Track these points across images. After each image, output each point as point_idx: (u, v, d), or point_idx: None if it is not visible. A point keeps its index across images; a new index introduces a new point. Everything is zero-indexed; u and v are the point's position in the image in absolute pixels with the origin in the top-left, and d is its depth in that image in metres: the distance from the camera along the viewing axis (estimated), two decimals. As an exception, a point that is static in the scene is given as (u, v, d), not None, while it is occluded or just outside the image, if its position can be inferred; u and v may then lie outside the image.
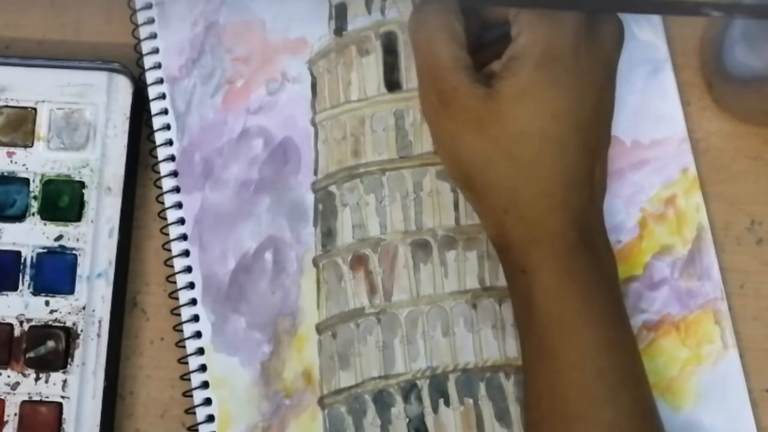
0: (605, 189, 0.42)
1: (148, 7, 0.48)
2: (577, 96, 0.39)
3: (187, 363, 0.45)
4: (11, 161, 0.47)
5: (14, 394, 0.45)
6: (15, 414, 0.44)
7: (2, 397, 0.44)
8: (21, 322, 0.45)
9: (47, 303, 0.45)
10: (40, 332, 0.45)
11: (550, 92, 0.39)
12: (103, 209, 0.46)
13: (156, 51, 0.48)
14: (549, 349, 0.39)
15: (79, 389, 0.44)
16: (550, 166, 0.39)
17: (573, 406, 0.38)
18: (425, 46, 0.41)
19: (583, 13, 0.39)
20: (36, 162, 0.47)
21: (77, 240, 0.46)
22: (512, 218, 0.39)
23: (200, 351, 0.45)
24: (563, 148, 0.39)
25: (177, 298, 0.46)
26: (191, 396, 0.45)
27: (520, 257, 0.40)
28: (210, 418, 0.44)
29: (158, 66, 0.48)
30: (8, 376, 0.45)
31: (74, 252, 0.46)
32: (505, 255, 0.41)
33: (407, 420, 0.44)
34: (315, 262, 0.46)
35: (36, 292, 0.45)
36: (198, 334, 0.45)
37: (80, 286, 0.45)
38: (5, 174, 0.47)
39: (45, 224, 0.46)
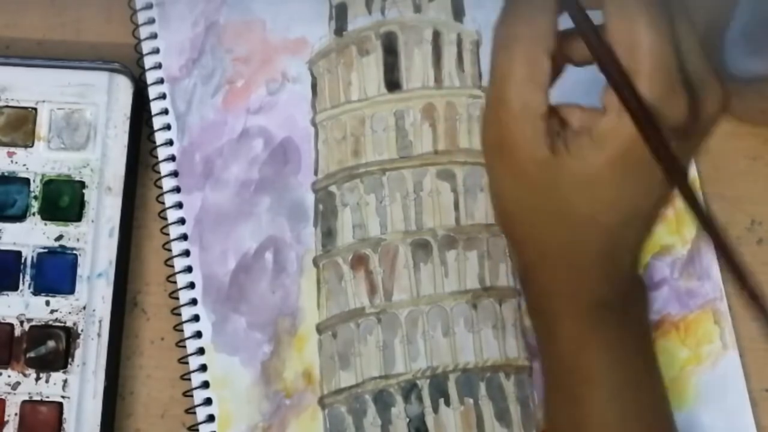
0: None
1: (149, 7, 0.48)
2: (646, 188, 0.35)
3: (187, 363, 0.45)
4: (12, 161, 0.47)
5: (15, 393, 0.45)
6: (15, 414, 0.44)
7: (3, 397, 0.44)
8: (21, 322, 0.45)
9: (48, 303, 0.45)
10: (41, 332, 0.45)
11: (616, 184, 0.34)
12: (104, 209, 0.46)
13: (156, 51, 0.48)
14: (573, 392, 0.37)
15: (80, 389, 0.44)
16: (593, 247, 0.35)
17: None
18: (502, 70, 0.34)
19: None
20: (36, 162, 0.47)
21: (78, 240, 0.46)
22: (544, 272, 0.37)
23: (200, 351, 0.45)
24: (609, 234, 0.35)
25: (177, 298, 0.46)
26: (191, 396, 0.45)
27: (542, 301, 0.38)
28: (210, 418, 0.44)
29: (159, 66, 0.48)
30: (9, 376, 0.45)
31: (75, 252, 0.46)
32: (526, 290, 0.39)
33: (407, 420, 0.44)
34: (315, 262, 0.46)
35: (36, 292, 0.45)
36: (198, 334, 0.45)
37: (81, 286, 0.45)
38: (6, 174, 0.47)
39: (45, 224, 0.46)
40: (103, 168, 0.46)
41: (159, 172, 0.47)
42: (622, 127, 0.32)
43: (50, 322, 0.45)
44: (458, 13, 0.48)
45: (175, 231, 0.46)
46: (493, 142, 0.36)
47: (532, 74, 0.33)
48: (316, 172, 0.47)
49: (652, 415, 0.38)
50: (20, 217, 0.46)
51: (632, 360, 0.37)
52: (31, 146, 0.47)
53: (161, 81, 0.48)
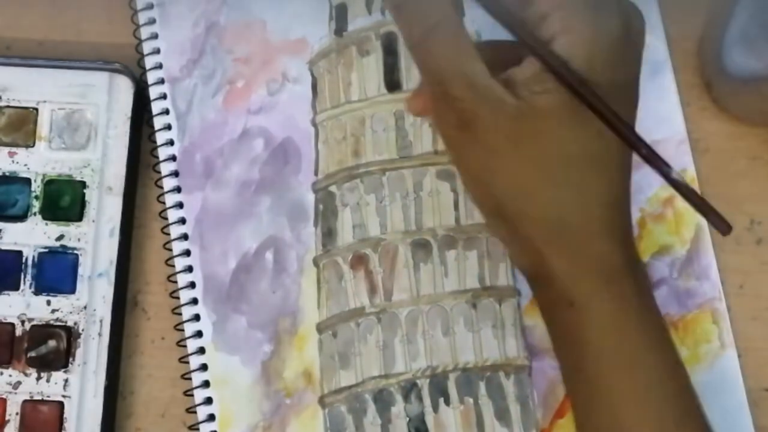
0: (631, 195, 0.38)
1: (149, 7, 0.48)
2: (617, 106, 0.34)
3: (188, 362, 0.45)
4: (13, 161, 0.47)
5: (16, 393, 0.45)
6: (16, 413, 0.44)
7: (4, 397, 0.45)
8: (22, 322, 0.45)
9: (48, 302, 0.45)
10: (42, 332, 0.45)
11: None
12: (105, 209, 0.46)
13: (157, 51, 0.48)
14: (607, 385, 0.35)
15: (81, 388, 0.45)
16: (596, 188, 0.34)
17: None
18: (433, 63, 0.34)
19: (617, 7, 0.34)
20: (37, 162, 0.47)
21: (78, 240, 0.46)
22: (554, 249, 0.35)
23: (201, 350, 0.45)
24: (606, 167, 0.35)
25: (178, 298, 0.46)
26: (192, 395, 0.45)
27: (566, 290, 0.35)
28: (211, 417, 0.45)
29: (159, 66, 0.48)
30: (10, 376, 0.45)
31: (75, 252, 0.46)
32: (544, 288, 0.36)
33: (407, 419, 0.44)
34: (315, 262, 0.46)
35: (37, 292, 0.46)
36: (199, 334, 0.45)
37: (81, 285, 0.45)
38: (7, 174, 0.47)
39: (46, 224, 0.46)
40: (103, 168, 0.47)
41: (160, 172, 0.47)
42: (577, 45, 0.33)
43: (51, 322, 0.45)
44: (458, 13, 0.48)
45: (175, 231, 0.46)
46: (455, 123, 0.34)
47: (460, 49, 0.34)
48: (316, 172, 0.47)
49: (691, 395, 0.36)
50: (21, 217, 0.46)
51: (660, 345, 0.36)
52: (32, 146, 0.47)
53: (162, 81, 0.48)
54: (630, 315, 0.35)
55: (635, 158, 0.43)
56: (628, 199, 0.36)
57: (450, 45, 0.34)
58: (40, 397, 0.45)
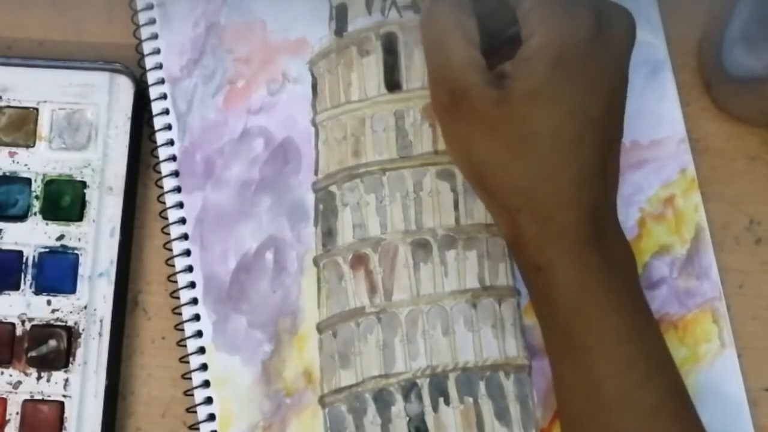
0: (618, 181, 0.41)
1: (150, 7, 0.48)
2: (590, 92, 0.39)
3: (188, 362, 0.45)
4: (13, 161, 0.47)
5: (16, 393, 0.45)
6: (17, 413, 0.45)
7: (4, 396, 0.45)
8: (23, 322, 0.45)
9: (49, 302, 0.46)
10: (42, 331, 0.45)
11: (565, 91, 0.38)
12: (105, 209, 0.46)
13: (157, 51, 0.48)
14: (577, 343, 0.38)
15: (81, 388, 0.45)
16: (564, 164, 0.39)
17: (611, 396, 0.38)
18: (438, 45, 0.40)
19: (594, 7, 0.39)
20: (38, 162, 0.47)
21: (79, 239, 0.46)
22: (525, 216, 0.39)
23: (201, 350, 0.45)
24: (577, 146, 0.39)
25: (178, 298, 0.46)
26: (192, 395, 0.45)
27: (535, 255, 0.39)
28: (211, 417, 0.45)
29: (159, 66, 0.48)
30: (10, 375, 0.45)
31: (76, 251, 0.46)
32: (519, 253, 0.41)
33: (407, 419, 0.44)
34: (315, 262, 0.46)
35: (38, 292, 0.46)
36: (199, 333, 0.45)
37: (82, 285, 0.46)
38: (7, 174, 0.47)
39: (47, 224, 0.46)
40: (104, 168, 0.47)
41: (160, 172, 0.47)
42: (550, 33, 0.38)
43: (51, 322, 0.45)
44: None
45: (175, 231, 0.46)
46: (447, 101, 0.40)
47: (464, 35, 0.39)
48: (316, 172, 0.47)
49: (658, 355, 0.39)
50: (22, 217, 0.46)
51: (628, 307, 0.39)
52: (33, 146, 0.47)
53: (162, 81, 0.48)
54: (594, 280, 0.38)
55: (635, 158, 0.43)
56: (604, 180, 0.40)
57: (455, 27, 0.39)
58: (40, 397, 0.45)
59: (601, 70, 0.39)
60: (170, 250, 0.46)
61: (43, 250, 0.46)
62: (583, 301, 0.38)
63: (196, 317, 0.46)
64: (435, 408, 0.45)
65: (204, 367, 0.45)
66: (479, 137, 0.39)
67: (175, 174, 0.47)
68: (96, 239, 0.46)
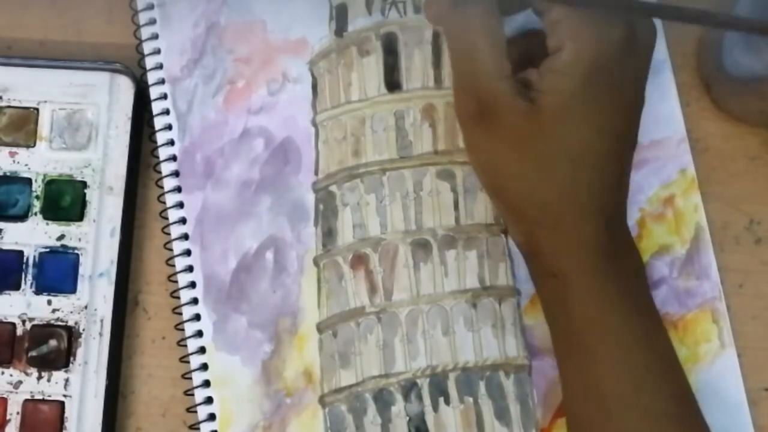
0: (629, 187, 0.42)
1: (150, 7, 0.48)
2: (617, 108, 0.39)
3: (188, 362, 0.45)
4: (14, 161, 0.47)
5: (17, 392, 0.45)
6: (17, 412, 0.45)
7: (5, 396, 0.45)
8: (23, 321, 0.45)
9: (49, 302, 0.46)
10: (43, 331, 0.45)
11: (594, 108, 0.38)
12: (105, 209, 0.46)
13: (158, 51, 0.48)
14: (588, 348, 0.39)
15: (81, 388, 0.45)
16: (588, 180, 0.39)
17: (618, 399, 0.38)
18: (467, 52, 0.39)
19: (624, 20, 0.38)
20: (38, 162, 0.47)
21: (79, 239, 0.46)
22: (545, 228, 0.39)
23: (201, 350, 0.45)
24: (601, 162, 0.39)
25: (178, 297, 0.46)
26: (192, 395, 0.45)
27: (551, 263, 0.39)
28: (211, 417, 0.45)
29: (160, 66, 0.48)
30: (11, 375, 0.45)
31: (76, 251, 0.46)
32: (535, 261, 0.41)
33: (407, 418, 0.44)
34: (316, 262, 0.46)
35: (38, 292, 0.46)
36: (199, 333, 0.45)
37: (82, 285, 0.46)
38: (8, 174, 0.47)
39: (47, 224, 0.46)
40: (104, 168, 0.47)
41: (160, 172, 0.47)
42: (582, 48, 0.37)
43: (52, 322, 0.45)
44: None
45: (176, 230, 0.46)
46: (473, 112, 0.39)
47: (494, 43, 0.39)
48: (316, 172, 0.47)
49: (668, 361, 0.40)
50: (22, 217, 0.46)
51: (640, 315, 0.39)
52: (33, 146, 0.47)
53: (162, 81, 0.48)
54: (608, 288, 0.39)
55: (635, 158, 0.44)
56: (620, 190, 0.40)
57: (485, 33, 0.39)
58: (40, 397, 0.45)
59: (628, 85, 0.39)
60: (170, 250, 0.46)
61: (43, 250, 0.46)
62: (598, 308, 0.39)
63: (197, 317, 0.46)
64: (435, 408, 0.45)
65: (204, 366, 0.45)
66: (504, 149, 0.39)
67: (176, 174, 0.47)
68: (96, 239, 0.46)
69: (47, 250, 0.46)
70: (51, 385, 0.45)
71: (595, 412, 0.39)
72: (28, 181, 0.47)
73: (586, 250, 0.39)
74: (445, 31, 0.41)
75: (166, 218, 0.47)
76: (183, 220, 0.47)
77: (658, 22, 0.47)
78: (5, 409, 0.45)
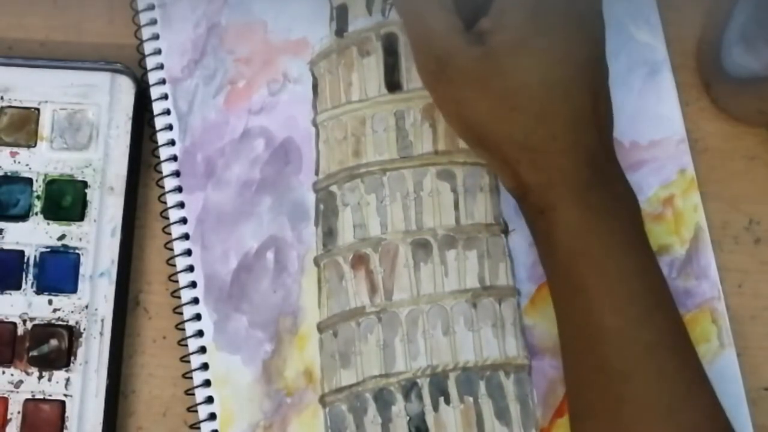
0: (612, 121, 0.42)
1: (151, 8, 0.48)
2: (571, 37, 0.40)
3: (189, 361, 0.45)
4: (14, 161, 0.47)
5: (17, 392, 0.45)
6: (18, 412, 0.45)
7: (6, 396, 0.45)
8: (24, 321, 0.45)
9: (50, 302, 0.46)
10: (43, 331, 0.45)
11: (545, 39, 0.39)
12: (106, 209, 0.46)
13: (158, 52, 0.48)
14: (577, 283, 0.39)
15: (82, 387, 0.45)
16: (556, 111, 0.39)
17: (610, 333, 0.38)
18: (415, 15, 0.41)
19: None
20: (39, 162, 0.47)
21: (80, 239, 0.46)
22: (525, 166, 0.40)
23: (202, 349, 0.45)
24: (566, 92, 0.39)
25: (179, 297, 0.46)
26: (193, 394, 0.45)
27: (538, 200, 0.40)
28: (212, 416, 0.45)
29: (161, 67, 0.48)
30: (12, 375, 0.45)
31: (77, 251, 0.46)
32: (523, 201, 0.42)
33: (408, 418, 0.45)
34: (316, 262, 0.46)
35: (39, 291, 0.46)
36: (200, 333, 0.45)
37: (83, 285, 0.46)
38: (9, 174, 0.47)
39: (48, 224, 0.46)
40: (105, 168, 0.47)
41: (161, 172, 0.47)
42: None
43: (53, 321, 0.45)
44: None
45: (176, 230, 0.47)
46: (433, 68, 0.41)
47: (441, 2, 0.40)
48: (317, 172, 0.47)
49: (659, 295, 0.40)
50: (23, 217, 0.46)
51: (629, 249, 0.40)
52: (34, 146, 0.47)
53: (163, 82, 0.48)
54: (594, 221, 0.39)
55: (634, 159, 0.43)
56: (598, 122, 0.40)
57: (426, 2, 0.40)
58: (41, 396, 0.45)
59: (577, 15, 0.40)
60: (171, 249, 0.47)
61: (44, 249, 0.46)
62: (584, 240, 0.39)
63: (197, 317, 0.46)
64: (435, 407, 0.45)
65: (205, 366, 0.45)
66: (470, 97, 0.40)
67: (176, 174, 0.47)
68: (97, 239, 0.46)
69: (48, 249, 0.46)
70: (52, 385, 0.45)
71: (585, 345, 0.39)
72: (29, 181, 0.47)
73: (568, 182, 0.39)
74: (394, 2, 0.43)
75: (167, 218, 0.47)
76: (184, 220, 0.47)
77: (657, 23, 0.48)
78: (6, 409, 0.45)
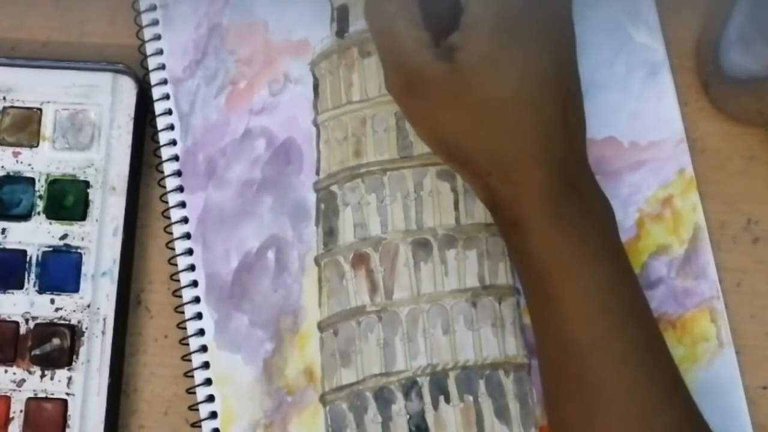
0: (584, 130, 0.42)
1: (153, 8, 0.49)
2: (539, 49, 0.39)
3: (190, 360, 0.45)
4: (17, 161, 0.47)
5: (20, 390, 0.45)
6: (21, 410, 0.45)
7: (8, 394, 0.45)
8: (26, 320, 0.46)
9: (52, 301, 0.46)
10: (46, 330, 0.45)
11: (512, 53, 0.39)
12: (108, 208, 0.47)
13: (160, 52, 0.48)
14: (551, 293, 0.39)
15: (84, 386, 0.45)
16: (525, 124, 0.39)
17: (584, 343, 0.38)
18: (385, 31, 0.41)
19: None
20: (41, 162, 0.47)
21: (82, 239, 0.46)
22: (497, 179, 0.40)
23: (203, 348, 0.45)
24: (534, 105, 0.39)
25: (180, 296, 0.46)
26: (194, 393, 0.45)
27: (510, 213, 0.40)
28: (213, 415, 0.45)
29: (162, 67, 0.48)
30: (14, 373, 0.45)
31: (79, 251, 0.46)
32: (496, 213, 0.42)
33: (408, 417, 0.45)
34: (317, 261, 0.46)
35: (41, 291, 0.46)
36: (201, 332, 0.46)
37: (85, 284, 0.46)
38: (11, 174, 0.47)
39: (50, 223, 0.46)
40: (107, 168, 0.47)
41: (162, 172, 0.47)
42: (488, 0, 0.39)
43: (55, 320, 0.46)
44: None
45: (178, 230, 0.47)
46: (403, 86, 0.41)
47: (409, 18, 0.40)
48: (317, 172, 0.47)
49: (632, 306, 0.40)
50: (25, 216, 0.47)
51: (603, 260, 0.40)
52: (36, 146, 0.47)
53: (165, 82, 0.48)
54: (567, 232, 0.39)
55: (633, 159, 0.44)
56: (570, 135, 0.40)
57: (399, 12, 0.40)
58: (44, 395, 0.45)
59: (545, 27, 0.40)
60: (173, 249, 0.47)
61: (46, 249, 0.46)
62: (556, 253, 0.39)
63: (199, 316, 0.46)
64: (435, 406, 0.45)
65: (206, 365, 0.45)
66: (440, 111, 0.40)
67: (178, 174, 0.47)
68: (99, 238, 0.46)
69: (50, 249, 0.46)
70: (54, 384, 0.45)
71: (559, 356, 0.39)
72: (32, 181, 0.47)
73: (539, 196, 0.39)
74: (365, 16, 0.42)
75: (169, 218, 0.47)
76: (185, 220, 0.47)
77: (656, 24, 0.48)
78: (9, 407, 0.45)
